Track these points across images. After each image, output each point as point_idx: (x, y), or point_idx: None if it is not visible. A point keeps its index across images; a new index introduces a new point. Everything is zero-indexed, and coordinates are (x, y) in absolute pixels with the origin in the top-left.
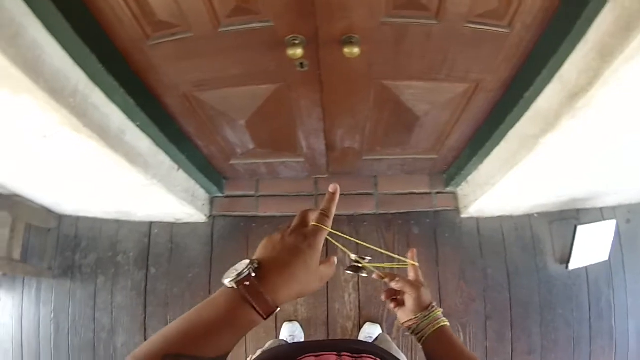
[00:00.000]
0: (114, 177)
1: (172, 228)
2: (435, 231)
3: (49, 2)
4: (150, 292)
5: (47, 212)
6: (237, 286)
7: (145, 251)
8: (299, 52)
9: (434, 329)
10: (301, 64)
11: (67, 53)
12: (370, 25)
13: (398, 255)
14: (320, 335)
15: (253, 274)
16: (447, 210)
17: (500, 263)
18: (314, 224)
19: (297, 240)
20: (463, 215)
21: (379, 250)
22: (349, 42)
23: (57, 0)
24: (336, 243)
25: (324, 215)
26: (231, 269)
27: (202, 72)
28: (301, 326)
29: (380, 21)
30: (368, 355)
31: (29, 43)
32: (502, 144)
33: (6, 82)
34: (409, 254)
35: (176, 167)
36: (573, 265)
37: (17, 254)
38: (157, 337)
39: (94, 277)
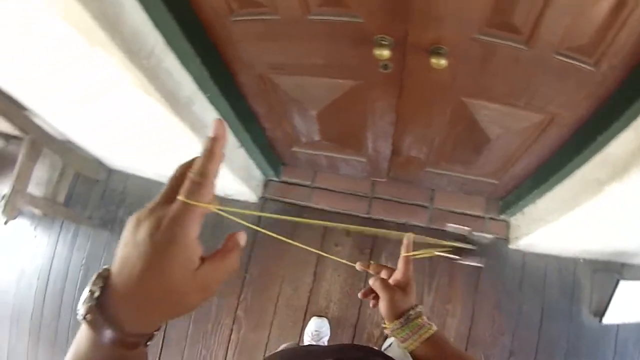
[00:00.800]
0: (173, 143)
1: (220, 202)
2: (481, 256)
3: None
4: None
5: (99, 164)
6: (84, 319)
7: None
8: (385, 53)
9: (420, 340)
10: (385, 65)
11: (147, 14)
12: (461, 39)
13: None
14: (346, 337)
15: (94, 301)
16: (496, 237)
17: (536, 301)
18: (180, 198)
19: (150, 231)
20: (511, 246)
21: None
22: (437, 53)
23: None
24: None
25: (197, 182)
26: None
27: (283, 56)
28: (329, 324)
29: (472, 37)
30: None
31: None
32: (565, 183)
33: (84, 33)
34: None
35: (238, 144)
36: (607, 319)
37: (61, 198)
38: None
39: None
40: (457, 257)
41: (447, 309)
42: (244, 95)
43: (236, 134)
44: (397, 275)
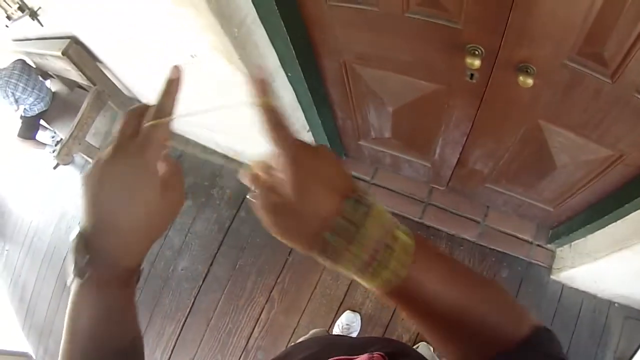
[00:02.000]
0: (243, 116)
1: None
2: (522, 281)
3: None
4: (232, 233)
5: None
6: (74, 274)
7: (243, 195)
8: (477, 62)
9: (382, 282)
10: (472, 74)
11: None
12: (551, 62)
13: None
14: (375, 335)
15: (84, 265)
16: (540, 265)
17: (565, 337)
18: (146, 124)
19: (119, 166)
20: (552, 276)
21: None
22: (525, 71)
23: None
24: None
25: (157, 113)
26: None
27: (372, 47)
28: (361, 320)
29: (562, 62)
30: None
31: None
32: (620, 222)
33: None
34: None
35: (307, 127)
36: None
37: None
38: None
39: None
40: None
41: None
42: (324, 80)
43: (308, 117)
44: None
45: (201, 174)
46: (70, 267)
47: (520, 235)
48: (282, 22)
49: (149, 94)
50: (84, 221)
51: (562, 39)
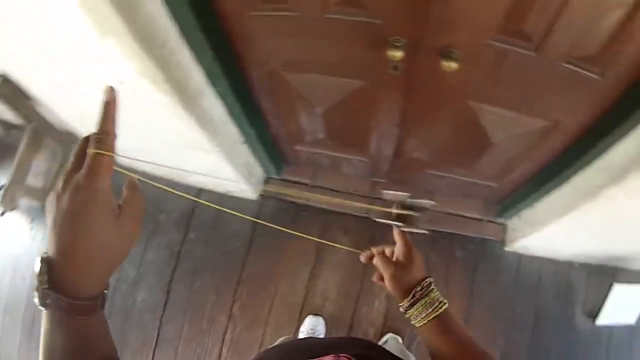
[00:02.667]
0: (178, 135)
1: (221, 199)
2: (477, 258)
3: None
4: (184, 256)
5: None
6: (40, 304)
7: (189, 215)
8: (398, 54)
9: (427, 318)
10: (395, 66)
11: (165, 5)
12: (474, 44)
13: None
14: (341, 334)
15: (44, 285)
16: (493, 240)
17: (530, 303)
18: (90, 151)
19: (70, 196)
20: (507, 248)
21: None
22: (449, 56)
23: None
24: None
25: (100, 138)
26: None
27: (296, 53)
28: (325, 322)
29: (485, 42)
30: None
31: None
32: (564, 187)
33: (97, 20)
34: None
35: (242, 140)
36: (600, 321)
37: None
38: None
39: None
40: (424, 231)
41: None
42: (252, 91)
43: (241, 130)
44: (397, 249)
45: (145, 201)
46: (34, 297)
47: (468, 215)
48: (204, 38)
49: (86, 126)
50: (48, 251)
51: (482, 20)
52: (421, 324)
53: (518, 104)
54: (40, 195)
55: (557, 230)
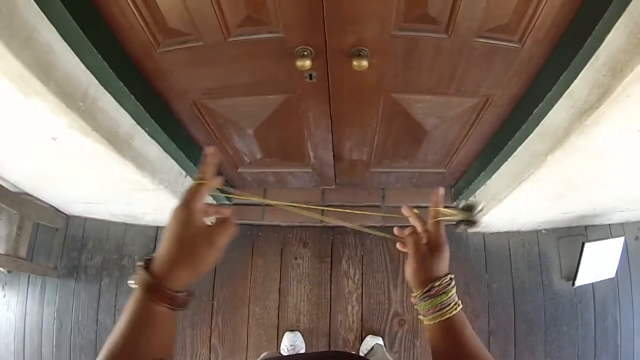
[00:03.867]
0: (121, 180)
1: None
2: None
3: (62, 7)
4: None
5: (55, 211)
6: (135, 285)
7: (151, 255)
8: (307, 63)
9: (438, 319)
10: (310, 75)
11: (78, 58)
12: (380, 38)
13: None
14: (322, 346)
15: (142, 268)
16: (453, 224)
17: (505, 279)
18: (194, 181)
19: (170, 218)
20: (470, 230)
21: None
22: (358, 55)
23: (69, 4)
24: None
25: (199, 176)
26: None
27: (212, 80)
28: (302, 336)
29: (391, 34)
30: None
31: (42, 46)
32: (511, 160)
33: (18, 84)
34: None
35: (184, 173)
36: (579, 282)
37: (23, 252)
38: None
39: (98, 279)
40: (469, 225)
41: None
42: (182, 124)
43: (180, 163)
44: (431, 234)
45: (107, 249)
46: (130, 279)
47: (424, 204)
48: (122, 83)
49: (35, 186)
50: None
51: (382, 12)
52: (431, 322)
53: (444, 88)
54: (5, 260)
55: (515, 202)
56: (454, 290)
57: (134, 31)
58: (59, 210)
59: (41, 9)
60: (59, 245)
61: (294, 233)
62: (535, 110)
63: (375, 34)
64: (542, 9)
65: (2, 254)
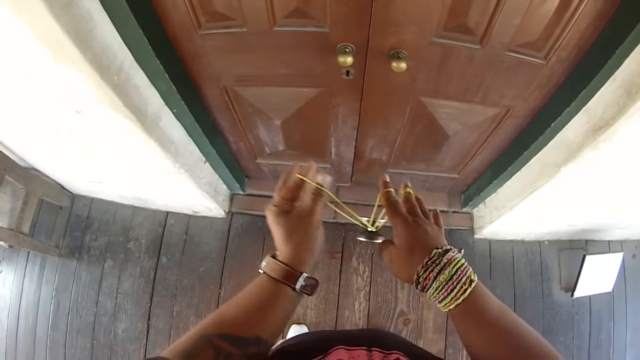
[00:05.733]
0: (141, 161)
1: (188, 220)
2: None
3: None
4: (159, 282)
5: (61, 189)
6: (261, 270)
7: (159, 240)
8: (349, 60)
9: (451, 306)
10: (347, 72)
11: (117, 30)
12: (420, 43)
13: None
14: None
15: (270, 255)
16: (461, 229)
17: (507, 285)
18: (312, 196)
19: (300, 219)
20: (477, 236)
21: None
22: (397, 57)
23: None
24: (342, 212)
25: (319, 190)
26: None
27: (248, 67)
28: (309, 330)
29: (430, 40)
30: (398, 353)
31: (83, 13)
32: (524, 169)
33: (53, 49)
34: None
35: (204, 159)
36: (578, 293)
37: (26, 228)
38: (201, 323)
39: (101, 261)
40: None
41: (422, 303)
42: (209, 109)
43: (202, 148)
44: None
45: (113, 231)
46: (261, 265)
47: (434, 207)
48: (158, 62)
49: (44, 162)
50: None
51: (425, 19)
52: (447, 309)
53: (470, 95)
54: (7, 235)
55: (523, 211)
56: (459, 264)
57: (176, 10)
58: (65, 188)
59: None
60: (63, 224)
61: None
62: (552, 124)
63: (415, 38)
64: (569, 31)
65: (4, 228)
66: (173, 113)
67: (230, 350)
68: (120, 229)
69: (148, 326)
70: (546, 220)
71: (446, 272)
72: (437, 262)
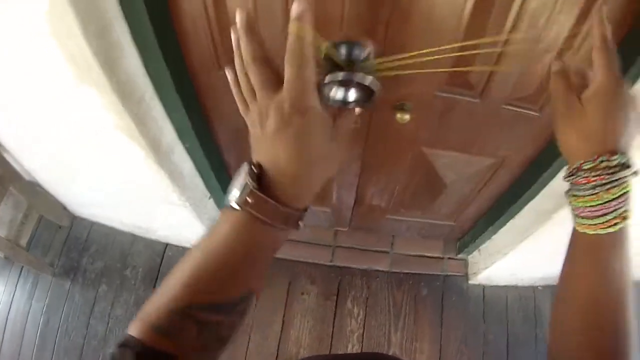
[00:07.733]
0: (147, 191)
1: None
2: (443, 294)
3: (142, 7)
4: None
5: (63, 209)
6: (241, 207)
7: (156, 270)
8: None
9: (595, 230)
10: (355, 121)
11: (143, 62)
12: (425, 96)
13: None
14: None
15: (255, 186)
16: (456, 275)
17: (501, 330)
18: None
19: (277, 120)
20: (471, 282)
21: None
22: (402, 109)
23: (148, 6)
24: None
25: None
26: (230, 185)
27: None
28: None
29: (434, 94)
30: None
31: (114, 40)
32: (517, 217)
33: (79, 69)
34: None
35: (208, 195)
36: None
37: (23, 241)
38: (165, 290)
39: (96, 285)
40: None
41: (415, 346)
42: (219, 146)
43: (207, 183)
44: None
45: (111, 256)
46: (232, 193)
47: (430, 254)
48: (178, 95)
49: (49, 179)
50: (257, 160)
51: (434, 74)
52: (589, 230)
53: (467, 146)
54: (4, 244)
55: (516, 257)
56: (627, 189)
57: (199, 47)
58: (66, 208)
59: (120, 4)
60: (60, 244)
61: (303, 269)
62: (544, 174)
63: (421, 91)
64: None
65: (1, 237)
66: (185, 147)
67: (217, 318)
68: (118, 255)
69: None
70: (539, 265)
71: (615, 190)
72: (611, 170)
